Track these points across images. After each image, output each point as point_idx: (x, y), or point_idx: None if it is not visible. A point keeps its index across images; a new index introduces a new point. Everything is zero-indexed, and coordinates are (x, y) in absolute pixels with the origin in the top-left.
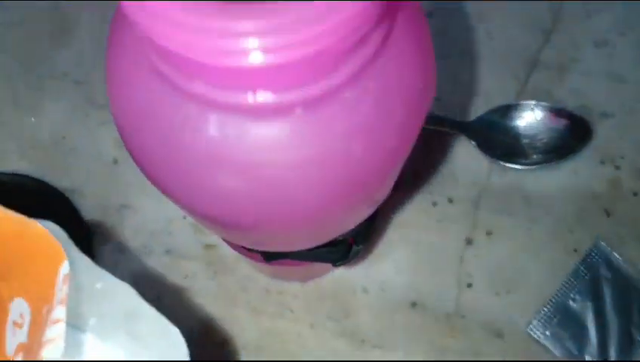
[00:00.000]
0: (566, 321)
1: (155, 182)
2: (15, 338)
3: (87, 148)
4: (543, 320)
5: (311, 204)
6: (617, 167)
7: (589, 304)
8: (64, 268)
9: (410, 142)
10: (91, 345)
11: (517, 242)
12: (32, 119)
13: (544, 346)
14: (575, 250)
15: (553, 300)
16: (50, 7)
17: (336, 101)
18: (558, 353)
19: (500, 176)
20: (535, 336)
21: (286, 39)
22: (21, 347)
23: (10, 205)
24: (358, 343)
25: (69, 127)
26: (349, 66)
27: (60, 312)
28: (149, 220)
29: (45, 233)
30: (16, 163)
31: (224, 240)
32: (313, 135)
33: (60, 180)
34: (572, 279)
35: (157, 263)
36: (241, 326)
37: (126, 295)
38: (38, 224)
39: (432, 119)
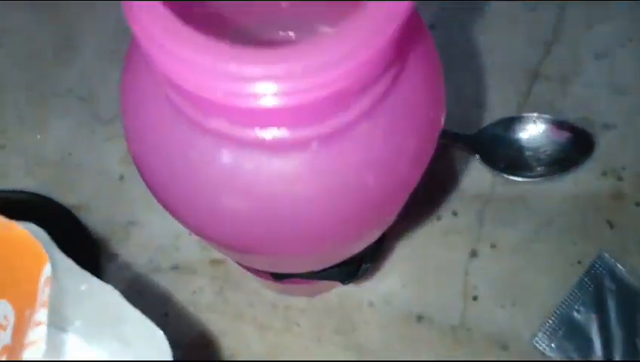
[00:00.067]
0: (571, 333)
1: (171, 210)
2: (0, 341)
3: (93, 165)
4: (548, 332)
5: (325, 234)
6: (619, 178)
7: (594, 315)
8: (46, 270)
9: (422, 170)
10: (76, 346)
11: (521, 254)
12: (38, 136)
13: (549, 358)
14: (579, 262)
15: (558, 312)
16: (53, 23)
17: (349, 135)
18: None
19: (503, 189)
20: (540, 348)
21: (300, 84)
22: (5, 349)
23: None
24: (364, 356)
25: (74, 144)
26: (363, 103)
27: (41, 315)
28: (155, 236)
29: (26, 235)
30: (22, 180)
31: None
32: (328, 168)
33: (66, 197)
34: (576, 291)
35: (164, 279)
36: (248, 341)
37: (111, 297)
38: (19, 226)
39: None
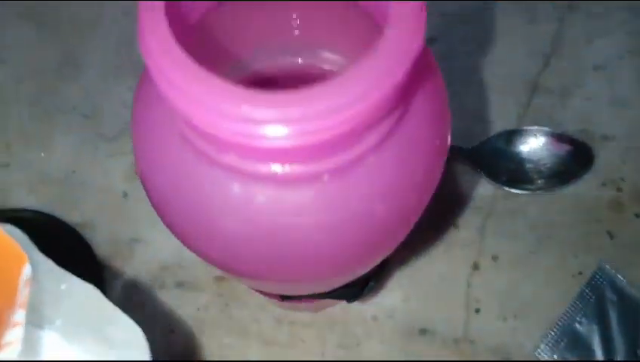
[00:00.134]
0: (573, 344)
1: (183, 240)
2: None
3: (97, 182)
4: (550, 344)
5: (334, 262)
6: (619, 189)
7: (595, 327)
8: (26, 271)
9: (430, 196)
10: (56, 345)
11: (523, 266)
12: (42, 154)
13: None
14: (580, 273)
15: (560, 323)
16: (57, 40)
17: (359, 167)
18: None
19: (504, 201)
20: (543, 360)
21: (311, 126)
22: None
23: None
24: None
25: (78, 161)
26: (373, 137)
27: (19, 316)
28: (159, 253)
29: (4, 236)
30: (25, 198)
31: None
32: (338, 199)
33: (70, 215)
34: (578, 302)
35: (169, 296)
36: (254, 357)
37: (92, 296)
38: None
39: None
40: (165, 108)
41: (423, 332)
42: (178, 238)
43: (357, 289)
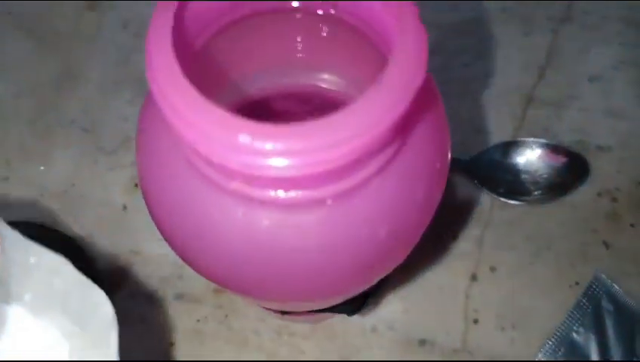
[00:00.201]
0: (570, 354)
1: (189, 262)
2: None
3: (97, 195)
4: (548, 354)
5: (337, 281)
6: (614, 200)
7: (592, 336)
8: None
9: (431, 215)
10: (23, 319)
11: (520, 277)
12: (41, 167)
13: None
14: (577, 283)
15: (557, 333)
16: (55, 55)
17: (362, 192)
18: None
19: (501, 213)
20: None
21: (316, 158)
22: None
23: None
24: None
25: (78, 175)
26: (376, 163)
27: None
28: (159, 265)
29: None
30: (26, 212)
31: None
32: (342, 222)
33: (69, 227)
34: (575, 312)
35: (168, 309)
36: None
37: (62, 269)
38: None
39: None
40: (171, 133)
41: (422, 342)
42: (181, 257)
43: (357, 304)
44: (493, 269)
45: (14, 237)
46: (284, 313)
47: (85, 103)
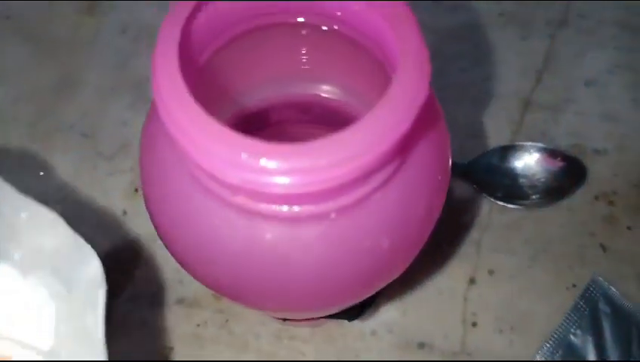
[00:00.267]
0: (568, 356)
1: (189, 270)
2: None
3: (97, 200)
4: (545, 356)
5: (339, 292)
6: (611, 203)
7: (590, 338)
8: None
9: (433, 225)
10: (11, 279)
11: (518, 280)
12: (41, 173)
13: None
14: (574, 286)
15: (555, 335)
16: (54, 60)
17: (365, 205)
18: None
19: (499, 216)
20: None
21: (319, 177)
22: None
23: None
24: None
25: (77, 180)
26: (376, 179)
27: None
28: (159, 270)
29: None
30: None
31: None
32: (345, 236)
33: None
34: (572, 314)
35: (169, 313)
36: None
37: (52, 225)
38: None
39: None
40: (175, 147)
41: (422, 346)
42: (184, 268)
43: (357, 310)
44: (491, 272)
45: (6, 189)
46: (285, 320)
47: (84, 108)
